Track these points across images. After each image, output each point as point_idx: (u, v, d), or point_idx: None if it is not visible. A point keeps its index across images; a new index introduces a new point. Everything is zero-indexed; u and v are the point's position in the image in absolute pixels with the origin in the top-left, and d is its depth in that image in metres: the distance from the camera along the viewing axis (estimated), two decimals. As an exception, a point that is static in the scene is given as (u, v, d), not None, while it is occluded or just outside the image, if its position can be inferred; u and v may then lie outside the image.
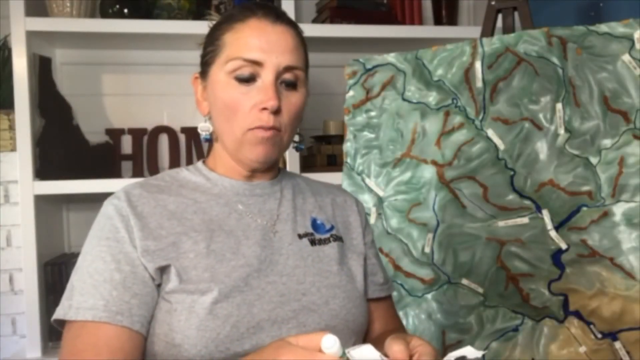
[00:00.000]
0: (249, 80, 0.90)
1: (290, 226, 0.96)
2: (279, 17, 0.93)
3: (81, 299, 0.83)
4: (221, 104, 0.92)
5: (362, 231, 1.06)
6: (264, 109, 0.89)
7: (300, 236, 0.96)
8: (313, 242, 0.97)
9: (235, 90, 0.91)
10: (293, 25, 0.95)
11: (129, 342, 0.82)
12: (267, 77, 0.90)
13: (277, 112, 0.90)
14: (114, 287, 0.83)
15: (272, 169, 1.00)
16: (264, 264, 0.90)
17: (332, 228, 1.01)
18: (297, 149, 1.04)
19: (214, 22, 0.99)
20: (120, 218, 0.87)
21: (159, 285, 0.86)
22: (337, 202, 1.07)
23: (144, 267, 0.85)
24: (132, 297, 0.84)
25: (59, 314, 0.85)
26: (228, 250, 0.89)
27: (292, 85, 0.93)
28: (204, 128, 0.98)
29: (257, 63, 0.90)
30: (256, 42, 0.90)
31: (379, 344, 1.00)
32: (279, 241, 0.94)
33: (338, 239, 1.00)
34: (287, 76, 0.92)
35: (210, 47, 0.95)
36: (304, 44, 0.97)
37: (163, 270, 0.86)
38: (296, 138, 1.01)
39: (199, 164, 1.00)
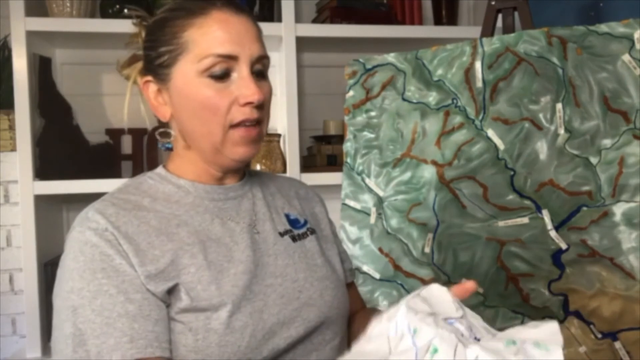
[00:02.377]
0: (224, 76, 0.86)
1: (270, 225, 0.95)
2: (239, 6, 0.90)
3: (98, 342, 0.76)
4: (196, 105, 0.86)
5: (328, 221, 1.08)
6: (248, 103, 0.86)
7: (281, 234, 0.96)
8: (294, 239, 0.97)
9: (210, 89, 0.86)
10: (250, 14, 0.92)
11: None
12: (243, 70, 0.86)
13: (260, 105, 0.87)
14: (132, 319, 0.77)
15: (241, 168, 0.97)
16: (258, 267, 0.89)
17: (306, 222, 1.01)
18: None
19: (142, 20, 0.93)
20: (108, 244, 0.80)
21: (167, 306, 0.82)
22: (301, 194, 1.07)
23: (152, 292, 0.80)
24: (155, 325, 0.78)
25: None
26: (224, 259, 0.86)
27: (262, 75, 0.90)
28: (165, 136, 0.93)
29: (231, 57, 0.86)
30: (226, 35, 0.86)
31: (355, 325, 1.03)
32: (264, 242, 0.93)
33: (313, 232, 1.01)
34: (258, 66, 0.89)
35: (165, 47, 0.88)
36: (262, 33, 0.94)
37: (171, 291, 0.82)
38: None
39: (161, 170, 0.94)
